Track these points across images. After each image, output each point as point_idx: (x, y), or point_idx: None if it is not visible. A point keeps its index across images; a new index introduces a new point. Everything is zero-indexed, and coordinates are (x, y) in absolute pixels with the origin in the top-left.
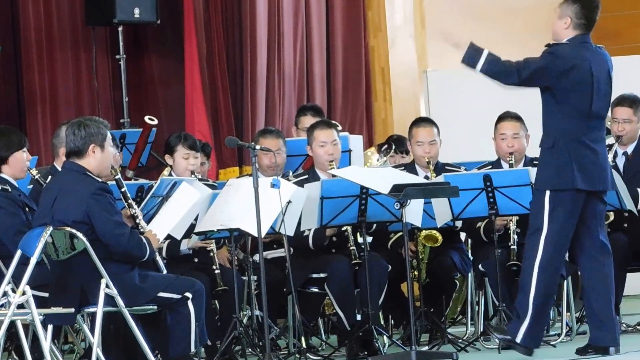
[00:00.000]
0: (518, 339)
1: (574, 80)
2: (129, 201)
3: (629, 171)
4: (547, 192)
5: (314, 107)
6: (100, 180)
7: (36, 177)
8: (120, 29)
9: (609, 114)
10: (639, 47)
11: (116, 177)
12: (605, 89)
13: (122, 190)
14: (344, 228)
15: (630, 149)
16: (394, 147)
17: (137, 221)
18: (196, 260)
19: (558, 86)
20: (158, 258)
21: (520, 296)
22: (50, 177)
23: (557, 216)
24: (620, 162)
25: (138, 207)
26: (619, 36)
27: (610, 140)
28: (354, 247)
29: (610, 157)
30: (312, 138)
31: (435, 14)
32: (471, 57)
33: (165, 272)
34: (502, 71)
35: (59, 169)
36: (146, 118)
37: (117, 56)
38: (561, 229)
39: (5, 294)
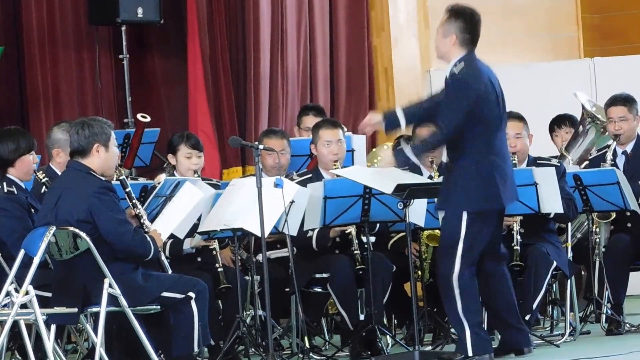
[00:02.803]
0: (470, 353)
1: (483, 102)
2: (134, 201)
3: (629, 170)
4: (465, 213)
5: (315, 107)
6: (103, 179)
7: (42, 180)
8: (123, 28)
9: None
10: None
11: (120, 177)
12: (504, 101)
13: (127, 190)
14: (347, 231)
15: (629, 148)
16: None
17: (142, 221)
18: (199, 259)
19: (473, 111)
20: (163, 258)
21: (450, 314)
22: (46, 178)
23: (473, 232)
24: (620, 161)
25: (142, 206)
26: (622, 36)
27: (609, 141)
28: (358, 252)
29: (609, 156)
30: (317, 137)
31: (438, 13)
32: (401, 158)
33: (170, 272)
34: (433, 141)
35: (55, 170)
36: (139, 116)
37: (120, 56)
38: (476, 243)
39: (8, 293)
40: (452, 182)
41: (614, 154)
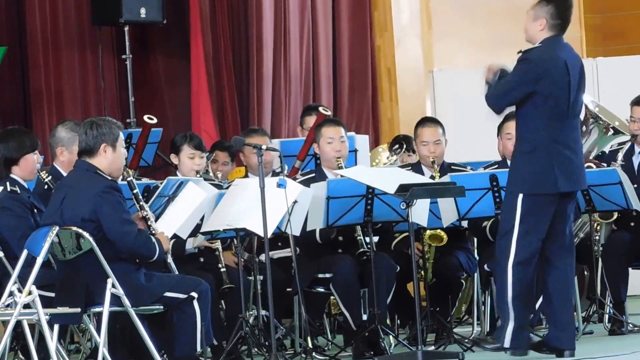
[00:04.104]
0: (506, 344)
1: (551, 82)
2: (141, 203)
3: None
4: (521, 195)
5: (319, 107)
6: (110, 178)
7: (46, 180)
8: (126, 28)
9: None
10: None
11: (128, 178)
12: (579, 88)
13: (134, 192)
14: None
15: None
16: (405, 146)
17: (149, 223)
18: (202, 259)
19: (536, 90)
20: (170, 260)
21: (499, 300)
22: (50, 177)
23: (529, 218)
24: (636, 160)
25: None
26: (624, 36)
27: (624, 137)
28: (361, 237)
29: (620, 155)
30: (319, 135)
31: (441, 13)
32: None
33: (177, 274)
34: (495, 91)
35: (59, 169)
36: (145, 117)
37: (123, 56)
38: (533, 230)
39: (11, 293)
40: (513, 164)
41: (631, 152)
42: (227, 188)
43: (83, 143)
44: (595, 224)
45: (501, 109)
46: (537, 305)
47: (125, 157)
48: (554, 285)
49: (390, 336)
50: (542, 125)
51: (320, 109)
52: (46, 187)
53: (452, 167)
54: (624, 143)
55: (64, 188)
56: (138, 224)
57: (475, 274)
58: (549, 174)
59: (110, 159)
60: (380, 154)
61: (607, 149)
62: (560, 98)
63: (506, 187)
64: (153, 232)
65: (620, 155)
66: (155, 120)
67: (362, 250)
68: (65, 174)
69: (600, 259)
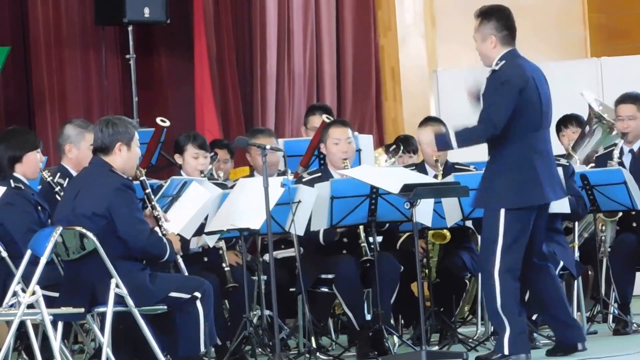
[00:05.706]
0: (506, 352)
1: (526, 98)
2: (153, 203)
3: (635, 168)
4: (503, 210)
5: (323, 106)
6: (125, 177)
7: (48, 179)
8: (130, 28)
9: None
10: None
11: (141, 178)
12: (547, 99)
13: (147, 191)
14: None
15: (636, 146)
16: (402, 147)
17: (160, 223)
18: (206, 259)
19: (515, 107)
20: (180, 261)
21: (490, 311)
22: (57, 174)
23: (512, 232)
24: (627, 159)
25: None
26: (627, 35)
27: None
28: (365, 244)
29: (616, 154)
30: (326, 136)
31: (445, 13)
32: (442, 143)
33: (187, 274)
34: (475, 134)
35: (67, 167)
36: (158, 119)
37: (127, 56)
38: (516, 242)
39: (15, 293)
40: (490, 179)
41: (621, 152)
42: (231, 188)
43: (99, 141)
44: (600, 224)
45: (500, 127)
46: None
47: (139, 156)
48: (545, 290)
49: (394, 336)
50: (520, 138)
51: (324, 116)
52: (49, 186)
53: (456, 166)
54: (613, 145)
55: (78, 183)
56: (149, 222)
57: (479, 274)
58: (536, 185)
59: (125, 158)
60: (378, 159)
61: (599, 152)
62: (534, 110)
63: (483, 203)
64: (164, 232)
65: (615, 155)
66: (168, 123)
67: (365, 258)
68: (73, 172)
69: (606, 261)
